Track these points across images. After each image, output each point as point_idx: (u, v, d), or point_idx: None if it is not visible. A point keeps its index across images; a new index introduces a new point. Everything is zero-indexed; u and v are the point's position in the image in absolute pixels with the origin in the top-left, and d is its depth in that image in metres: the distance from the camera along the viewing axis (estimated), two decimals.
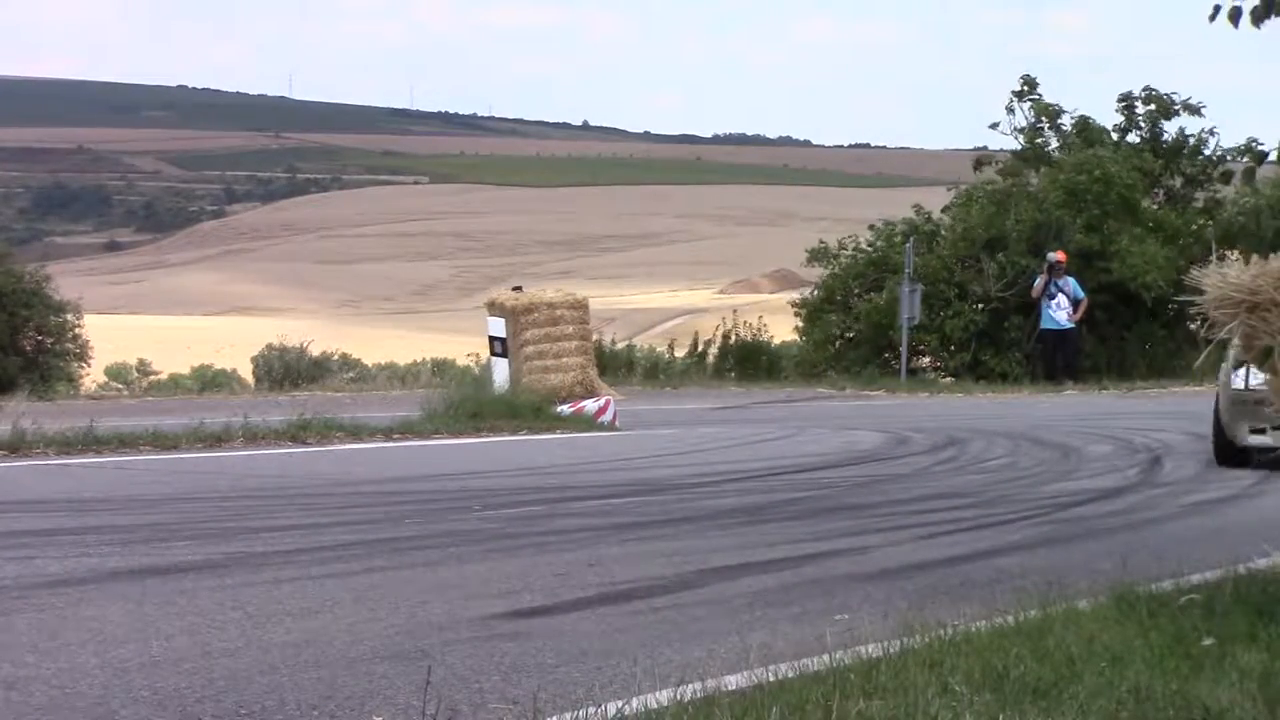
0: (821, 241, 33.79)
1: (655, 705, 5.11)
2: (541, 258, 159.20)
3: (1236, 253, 6.88)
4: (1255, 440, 14.00)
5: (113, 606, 6.84)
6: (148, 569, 7.88)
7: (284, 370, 32.60)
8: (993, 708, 5.06)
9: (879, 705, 5.05)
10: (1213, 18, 8.38)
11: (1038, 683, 5.37)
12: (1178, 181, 34.26)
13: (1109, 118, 34.27)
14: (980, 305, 31.39)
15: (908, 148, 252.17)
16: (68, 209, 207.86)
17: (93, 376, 32.67)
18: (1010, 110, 34.05)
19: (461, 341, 41.80)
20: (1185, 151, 33.91)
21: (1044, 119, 34.10)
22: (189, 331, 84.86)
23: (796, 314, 33.27)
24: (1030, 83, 34.05)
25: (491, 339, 20.43)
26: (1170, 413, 20.98)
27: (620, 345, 32.35)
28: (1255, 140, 34.22)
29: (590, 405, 19.43)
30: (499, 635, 6.45)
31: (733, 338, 32.02)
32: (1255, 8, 8.15)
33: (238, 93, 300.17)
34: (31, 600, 6.97)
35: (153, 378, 40.43)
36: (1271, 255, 6.79)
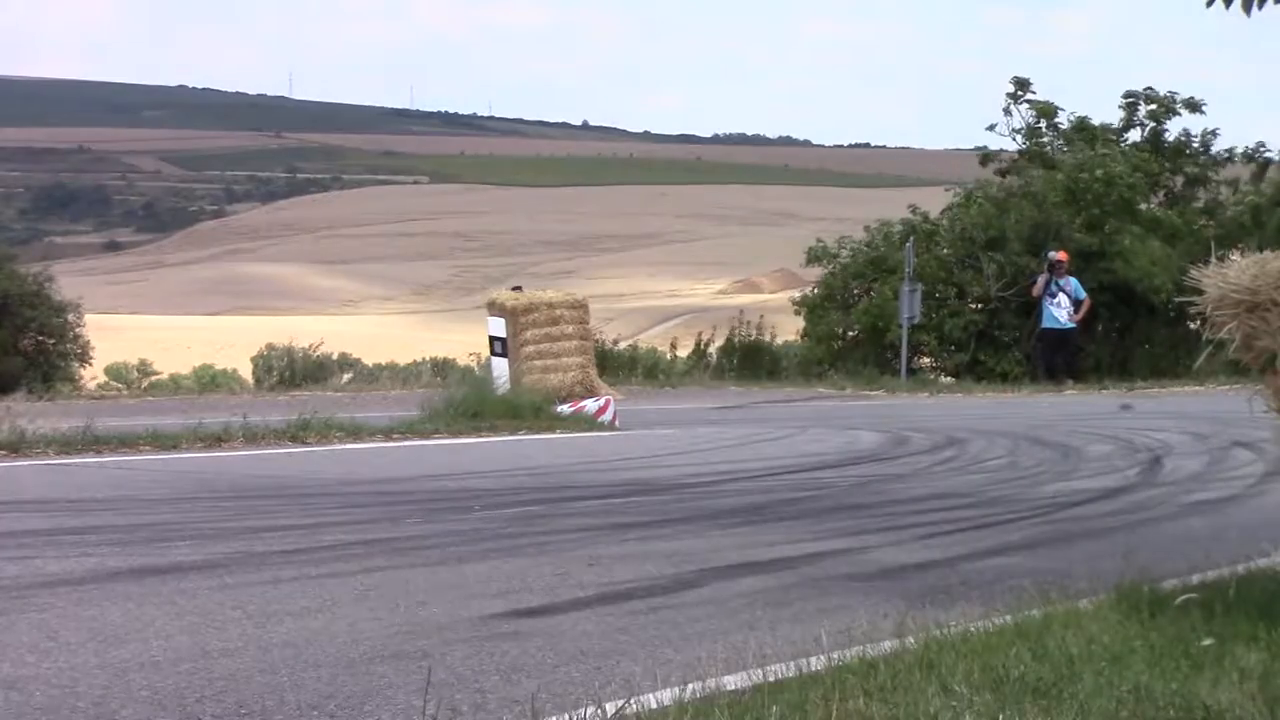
0: (819, 241, 33.81)
1: (655, 705, 5.11)
2: (541, 258, 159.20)
3: (1237, 252, 6.86)
4: None
5: (113, 606, 6.84)
6: (148, 569, 7.87)
7: (286, 369, 32.62)
8: (992, 708, 5.06)
9: (879, 705, 5.05)
10: (1210, 2, 8.54)
11: (1037, 683, 5.37)
12: (1179, 181, 34.26)
13: (1109, 117, 34.33)
14: (980, 305, 31.40)
15: (908, 148, 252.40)
16: (68, 209, 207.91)
17: (94, 376, 32.71)
18: (1008, 113, 34.10)
19: (461, 341, 41.82)
20: (1188, 152, 33.92)
21: (1042, 119, 34.13)
22: (189, 331, 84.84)
23: (797, 312, 33.26)
24: (1022, 83, 34.06)
25: (491, 339, 20.44)
26: (1170, 413, 20.97)
27: (620, 345, 32.35)
28: (1262, 144, 34.36)
29: (590, 405, 19.44)
30: (499, 635, 6.44)
31: (736, 337, 32.01)
32: None
33: (238, 93, 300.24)
34: (31, 600, 6.97)
35: (153, 378, 40.50)
36: (1271, 254, 6.77)
